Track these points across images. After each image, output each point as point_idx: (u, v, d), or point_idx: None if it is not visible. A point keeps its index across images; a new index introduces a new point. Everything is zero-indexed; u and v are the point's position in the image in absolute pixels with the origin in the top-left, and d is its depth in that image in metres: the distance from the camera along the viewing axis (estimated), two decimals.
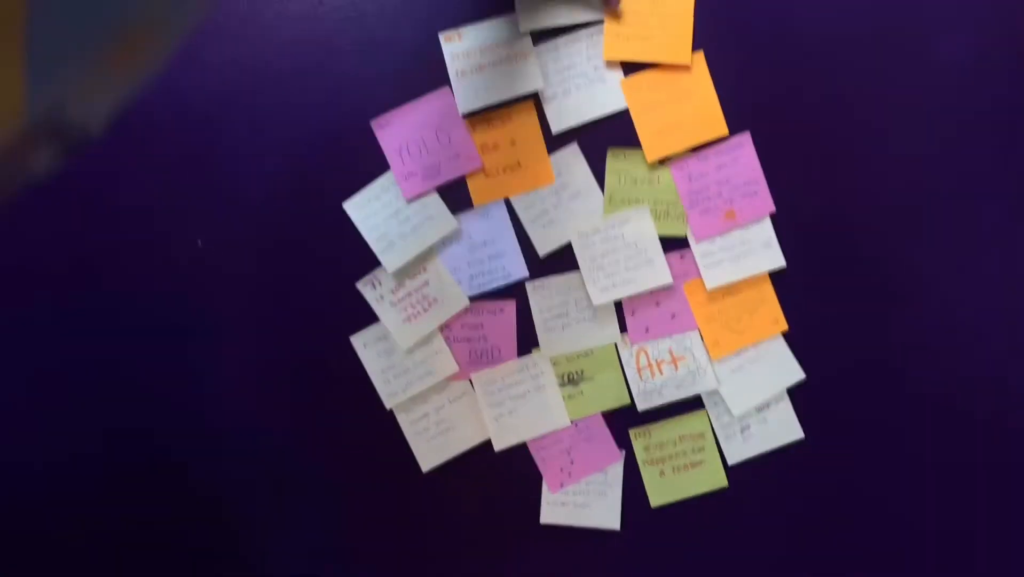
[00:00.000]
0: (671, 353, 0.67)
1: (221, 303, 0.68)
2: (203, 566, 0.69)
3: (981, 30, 0.66)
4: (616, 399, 0.67)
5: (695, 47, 0.66)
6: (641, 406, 0.67)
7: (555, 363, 0.68)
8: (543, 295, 0.67)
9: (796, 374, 0.67)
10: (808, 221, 0.67)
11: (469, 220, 0.67)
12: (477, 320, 0.68)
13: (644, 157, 0.66)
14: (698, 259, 0.67)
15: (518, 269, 0.67)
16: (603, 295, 0.66)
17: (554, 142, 0.67)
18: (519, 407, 0.67)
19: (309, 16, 0.67)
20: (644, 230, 0.67)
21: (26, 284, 0.68)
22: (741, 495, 0.67)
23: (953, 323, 0.67)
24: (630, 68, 0.67)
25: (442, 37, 0.66)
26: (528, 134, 0.67)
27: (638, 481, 0.68)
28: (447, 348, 0.68)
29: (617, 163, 0.67)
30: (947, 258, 0.67)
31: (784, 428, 0.67)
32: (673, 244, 0.67)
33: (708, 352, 0.67)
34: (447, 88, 0.66)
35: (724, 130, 0.66)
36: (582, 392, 0.68)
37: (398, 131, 0.67)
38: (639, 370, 0.67)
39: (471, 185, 0.67)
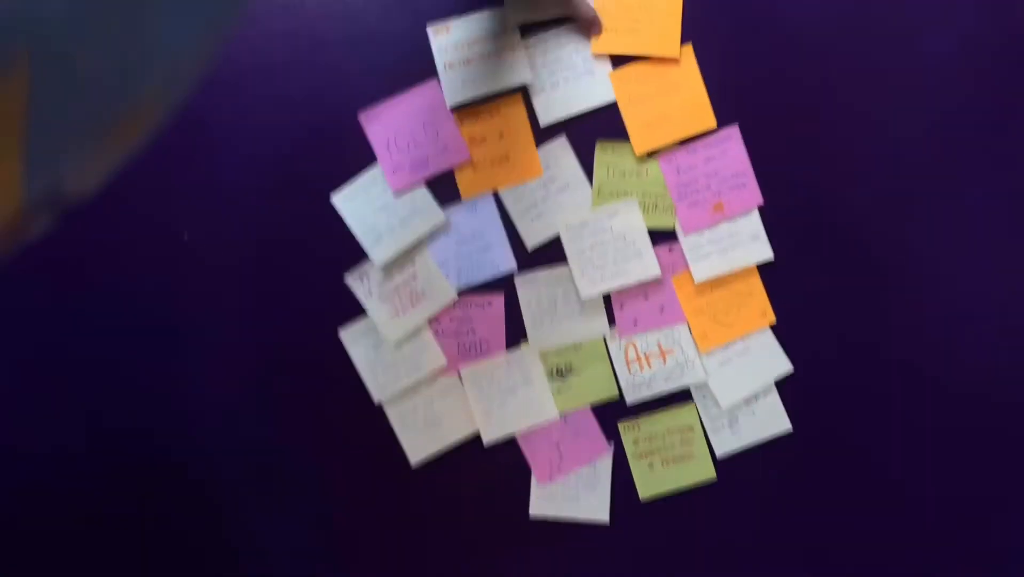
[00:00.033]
0: (659, 346, 0.67)
1: (207, 297, 0.67)
2: (189, 551, 0.68)
3: (969, 22, 0.66)
4: (605, 392, 0.67)
5: (683, 40, 0.66)
6: (630, 399, 0.67)
7: (544, 356, 0.68)
8: (531, 288, 0.67)
9: (784, 366, 0.67)
10: (796, 214, 0.67)
11: (457, 213, 0.67)
12: (465, 313, 0.68)
13: (632, 150, 0.66)
14: (686, 252, 0.67)
15: (506, 262, 0.67)
16: (591, 288, 0.66)
17: (542, 135, 0.67)
18: (508, 400, 0.67)
19: (297, 8, 0.67)
20: (632, 223, 0.67)
21: (16, 282, 0.67)
22: (729, 487, 0.68)
23: (941, 314, 0.67)
24: (618, 61, 0.67)
25: (430, 30, 0.66)
26: (516, 127, 0.67)
27: (627, 474, 0.68)
28: (435, 342, 0.68)
29: (605, 156, 0.67)
30: (935, 249, 0.67)
31: (772, 420, 0.68)
32: (661, 237, 0.67)
33: (696, 345, 0.67)
34: (435, 81, 0.66)
35: (712, 123, 0.66)
36: (570, 385, 0.68)
37: (386, 124, 0.66)
38: (628, 363, 0.67)
39: (459, 178, 0.67)
